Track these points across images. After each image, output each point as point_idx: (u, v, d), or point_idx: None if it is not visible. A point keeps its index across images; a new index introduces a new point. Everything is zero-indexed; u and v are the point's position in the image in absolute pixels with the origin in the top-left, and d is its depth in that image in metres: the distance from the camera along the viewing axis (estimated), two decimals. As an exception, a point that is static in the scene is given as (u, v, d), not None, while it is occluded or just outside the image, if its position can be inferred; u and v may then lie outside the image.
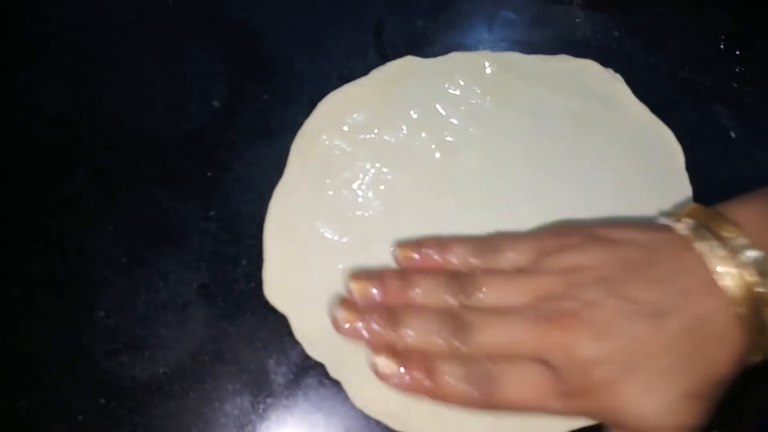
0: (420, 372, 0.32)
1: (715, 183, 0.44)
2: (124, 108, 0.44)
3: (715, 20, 0.48)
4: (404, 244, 0.37)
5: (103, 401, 0.39)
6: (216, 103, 0.44)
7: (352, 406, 0.39)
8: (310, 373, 0.40)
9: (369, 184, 0.42)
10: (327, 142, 0.43)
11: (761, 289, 0.31)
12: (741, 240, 0.32)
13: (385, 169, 0.43)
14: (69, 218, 0.42)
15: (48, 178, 0.43)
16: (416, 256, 0.36)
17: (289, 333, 0.40)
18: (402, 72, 0.45)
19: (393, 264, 0.39)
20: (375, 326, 0.34)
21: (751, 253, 0.31)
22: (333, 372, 0.39)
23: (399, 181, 0.42)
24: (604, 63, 0.46)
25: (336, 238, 0.41)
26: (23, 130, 0.44)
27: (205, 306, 0.41)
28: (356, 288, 0.35)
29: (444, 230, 0.41)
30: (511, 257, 0.35)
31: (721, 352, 0.32)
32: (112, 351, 0.40)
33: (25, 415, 0.39)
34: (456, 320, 0.33)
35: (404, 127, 0.44)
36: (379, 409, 0.39)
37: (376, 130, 0.43)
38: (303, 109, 0.44)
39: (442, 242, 0.36)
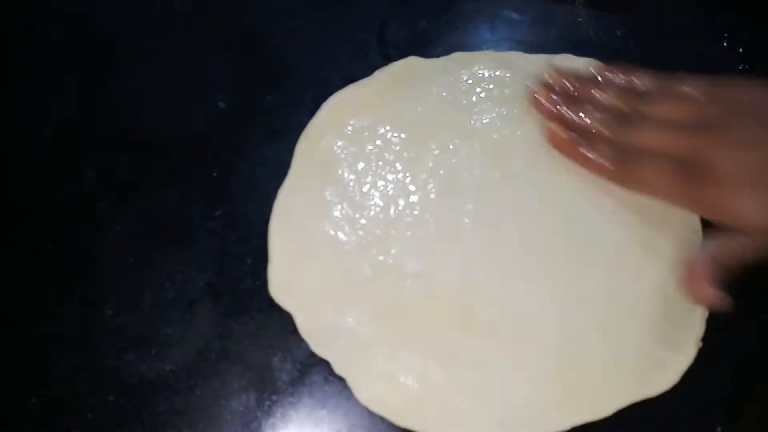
0: (580, 139, 0.42)
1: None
2: (132, 110, 0.45)
3: (718, 19, 0.48)
4: (596, 66, 0.44)
5: (111, 398, 0.39)
6: (222, 105, 0.45)
7: (357, 403, 0.39)
8: (314, 370, 0.40)
9: (372, 184, 0.43)
10: (331, 143, 0.43)
11: None
12: None
13: (388, 169, 0.43)
14: (78, 218, 0.43)
15: (57, 179, 0.43)
16: (609, 73, 0.43)
17: (294, 330, 0.40)
18: (405, 73, 0.45)
19: (397, 264, 0.41)
20: (558, 104, 0.43)
21: None
22: (338, 369, 0.40)
23: (402, 181, 0.43)
24: (607, 62, 0.46)
25: (340, 237, 0.42)
26: (32, 132, 0.44)
27: (211, 304, 0.41)
28: (554, 77, 0.44)
29: (447, 229, 0.42)
30: (685, 89, 0.40)
31: None
32: (120, 349, 0.40)
33: (36, 412, 0.40)
34: (623, 116, 0.41)
35: (407, 128, 0.44)
36: (383, 405, 0.39)
37: (379, 131, 0.44)
38: (307, 110, 0.44)
39: (625, 67, 0.43)
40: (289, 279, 0.41)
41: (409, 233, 0.42)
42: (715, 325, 0.41)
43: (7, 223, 0.43)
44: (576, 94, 0.43)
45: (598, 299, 0.41)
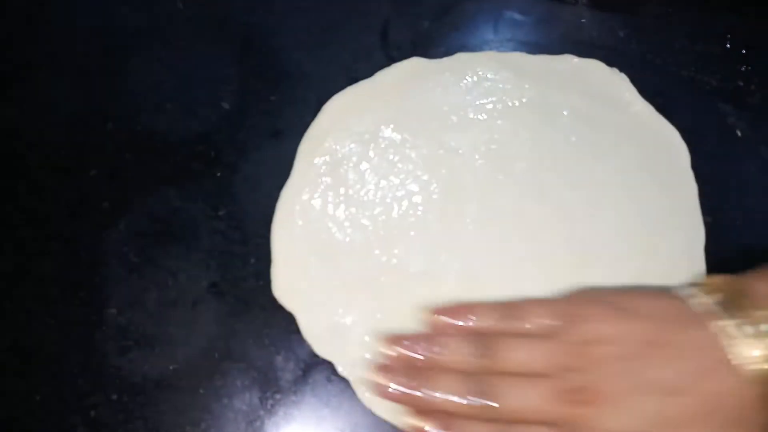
0: (441, 423, 0.35)
1: (721, 181, 0.44)
2: (136, 110, 0.45)
3: (721, 20, 0.49)
4: (433, 310, 0.38)
5: (114, 396, 0.40)
6: (225, 105, 0.45)
7: (359, 403, 0.39)
8: (317, 370, 0.40)
9: (375, 184, 0.43)
10: (333, 144, 0.43)
11: None
12: (759, 316, 0.32)
13: (390, 170, 0.43)
14: (82, 218, 0.43)
15: (62, 178, 0.44)
16: (444, 319, 0.37)
17: (297, 330, 0.40)
18: (408, 73, 0.45)
19: (400, 265, 0.41)
20: (402, 387, 0.35)
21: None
22: (340, 369, 0.40)
23: (405, 181, 0.43)
24: (610, 63, 0.46)
25: (343, 237, 0.42)
26: (37, 132, 0.45)
27: (215, 304, 0.41)
28: (386, 350, 0.37)
29: (450, 229, 0.42)
30: (535, 321, 0.36)
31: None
32: (124, 348, 0.40)
33: (40, 410, 0.40)
34: (480, 384, 0.34)
35: (410, 128, 0.44)
36: (385, 406, 0.39)
37: (381, 132, 0.44)
38: (310, 110, 0.44)
39: (469, 307, 0.38)
40: (292, 279, 0.41)
41: (412, 233, 0.42)
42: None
43: (11, 222, 0.43)
44: (419, 363, 0.36)
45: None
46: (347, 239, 0.42)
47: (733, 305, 0.33)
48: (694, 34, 0.48)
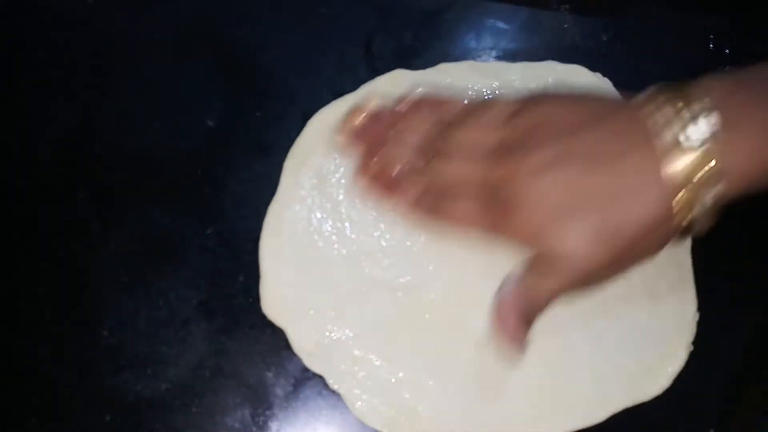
0: (387, 180, 0.41)
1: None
2: (123, 130, 0.45)
3: (704, 21, 0.48)
4: (409, 94, 0.43)
5: (108, 417, 0.40)
6: (211, 122, 0.45)
7: (351, 416, 0.40)
8: (308, 385, 0.41)
9: (362, 197, 0.43)
10: (319, 159, 0.44)
11: (702, 164, 0.32)
12: (697, 107, 0.32)
13: (377, 182, 0.43)
14: (71, 240, 0.43)
15: (50, 201, 0.44)
16: (412, 99, 0.42)
17: (287, 346, 0.41)
18: (391, 85, 0.45)
19: (389, 277, 0.41)
20: (366, 141, 0.42)
21: (704, 123, 0.32)
22: (331, 383, 0.40)
23: (391, 193, 0.43)
24: (593, 68, 0.46)
25: (331, 251, 0.42)
26: (25, 154, 0.45)
27: (205, 322, 0.42)
28: (354, 115, 0.42)
29: (438, 240, 0.42)
30: (495, 111, 0.38)
31: (643, 206, 0.33)
32: (117, 368, 0.41)
33: (35, 432, 0.40)
34: (428, 148, 0.39)
35: (395, 140, 0.44)
36: (377, 418, 0.40)
37: (367, 144, 0.44)
38: (296, 125, 0.45)
39: (442, 98, 0.42)
40: (281, 295, 0.41)
41: (399, 245, 0.42)
42: (706, 329, 0.41)
43: (1, 246, 0.43)
44: (384, 130, 0.41)
45: (588, 306, 0.41)
46: (335, 253, 0.42)
47: (676, 97, 0.33)
48: (677, 35, 0.48)
